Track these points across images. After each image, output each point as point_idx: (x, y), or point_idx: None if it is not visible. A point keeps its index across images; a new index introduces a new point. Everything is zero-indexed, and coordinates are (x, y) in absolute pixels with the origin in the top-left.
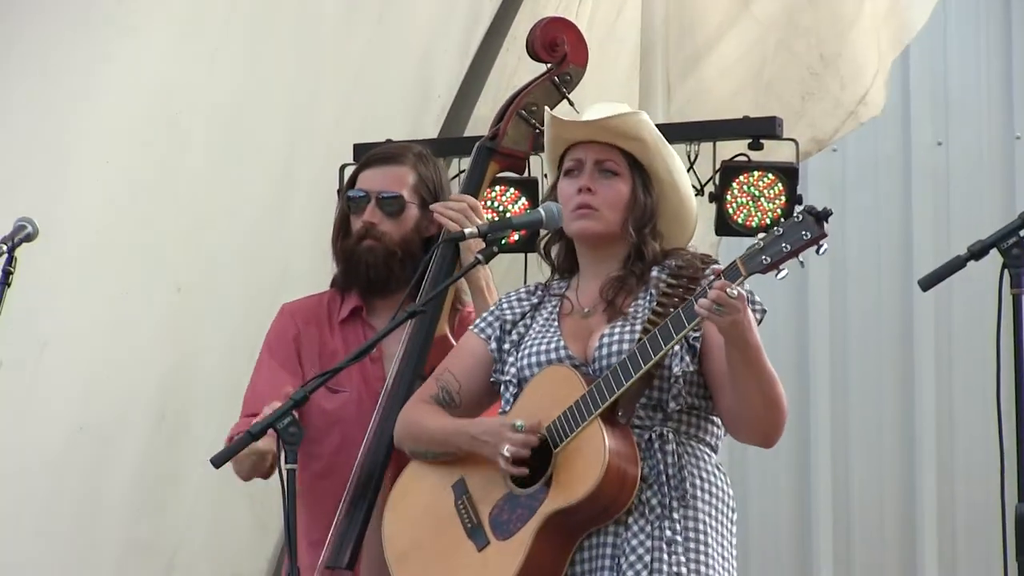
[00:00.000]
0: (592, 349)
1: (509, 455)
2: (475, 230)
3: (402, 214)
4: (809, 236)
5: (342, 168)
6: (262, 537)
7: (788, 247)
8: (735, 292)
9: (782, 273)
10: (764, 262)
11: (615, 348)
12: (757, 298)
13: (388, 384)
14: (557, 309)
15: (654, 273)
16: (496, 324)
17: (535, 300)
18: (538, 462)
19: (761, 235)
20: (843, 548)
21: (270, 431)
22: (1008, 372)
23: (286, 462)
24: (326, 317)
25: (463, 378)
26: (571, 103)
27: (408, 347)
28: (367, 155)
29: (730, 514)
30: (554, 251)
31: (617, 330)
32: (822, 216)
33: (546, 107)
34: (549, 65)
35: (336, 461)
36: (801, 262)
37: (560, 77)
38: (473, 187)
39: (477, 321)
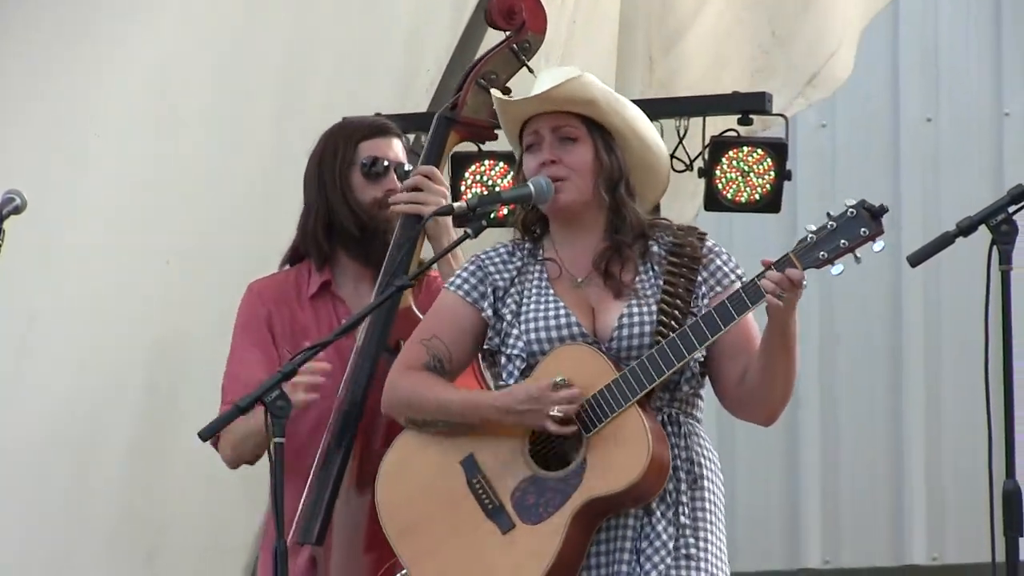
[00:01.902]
0: (610, 329)
1: (562, 414)
2: (464, 204)
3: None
4: (868, 232)
5: None
6: (251, 511)
7: (846, 243)
8: (798, 276)
9: (837, 268)
10: (822, 257)
11: (636, 330)
12: (740, 271)
13: (352, 360)
14: (545, 274)
15: (655, 248)
16: (486, 289)
17: (518, 262)
18: (555, 444)
19: (811, 227)
20: (832, 524)
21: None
22: (996, 348)
23: (274, 435)
24: (295, 293)
25: (453, 345)
26: (531, 70)
27: (372, 321)
28: (373, 125)
29: (722, 487)
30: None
31: (635, 309)
32: (879, 212)
33: (492, 91)
34: (507, 33)
35: (314, 437)
36: (858, 258)
37: (519, 45)
38: (434, 157)
39: (456, 281)
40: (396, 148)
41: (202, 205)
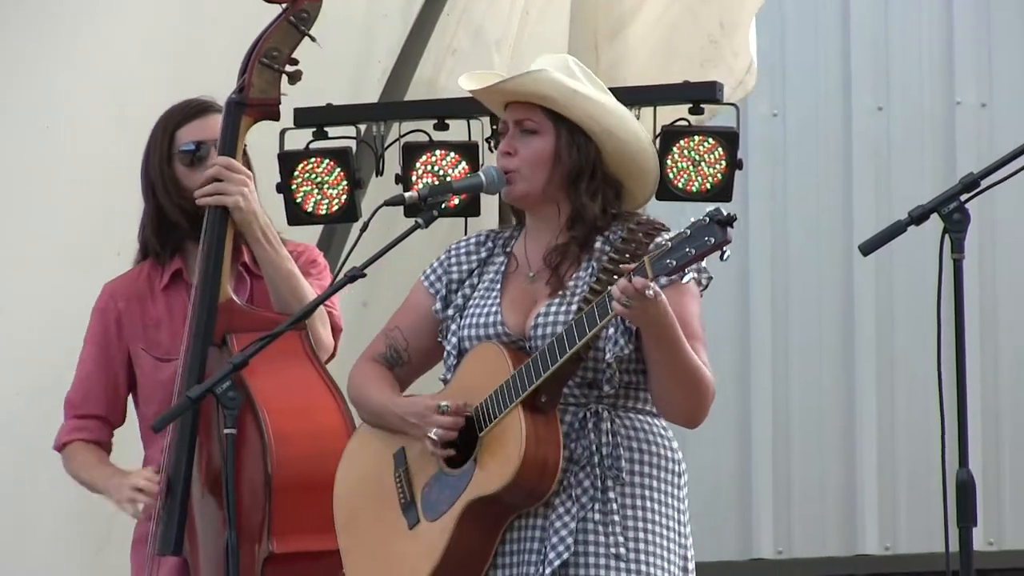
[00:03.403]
0: (528, 327)
1: (436, 438)
2: (415, 194)
3: None
4: (712, 242)
5: (282, 132)
6: None
7: (692, 251)
8: (641, 284)
9: (686, 277)
10: (670, 265)
11: (548, 330)
12: (704, 264)
13: (181, 358)
14: (503, 268)
15: (598, 244)
16: (444, 280)
17: (483, 254)
18: (470, 440)
19: (668, 235)
20: (783, 515)
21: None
22: (948, 337)
23: (225, 427)
24: (147, 288)
25: (411, 335)
26: (312, 39)
27: (195, 318)
28: (185, 109)
29: (675, 480)
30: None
31: (553, 308)
32: (726, 222)
33: (461, 78)
34: (284, 6)
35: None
36: (702, 267)
37: (296, 16)
38: (229, 146)
39: (427, 270)
40: (213, 125)
41: None
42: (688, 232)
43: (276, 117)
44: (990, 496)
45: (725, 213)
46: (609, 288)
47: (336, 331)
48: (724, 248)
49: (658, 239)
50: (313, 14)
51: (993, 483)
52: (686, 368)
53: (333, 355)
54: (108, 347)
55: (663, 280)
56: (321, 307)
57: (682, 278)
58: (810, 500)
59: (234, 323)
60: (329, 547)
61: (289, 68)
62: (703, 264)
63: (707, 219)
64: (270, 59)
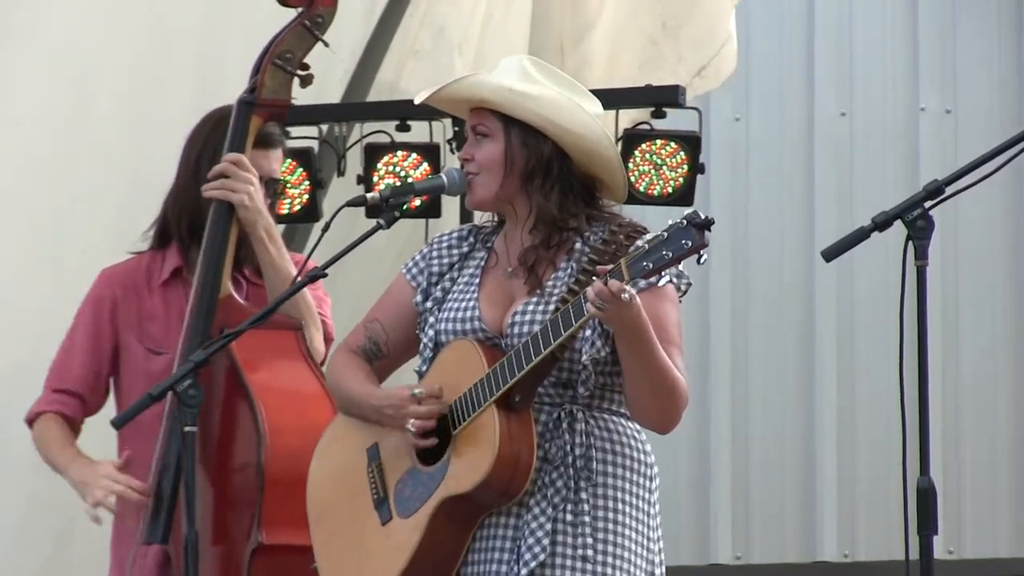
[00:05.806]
0: (506, 325)
1: (415, 430)
2: (377, 195)
3: None
4: (689, 245)
5: None
6: None
7: (669, 254)
8: (616, 287)
9: (663, 280)
10: (646, 267)
11: (525, 328)
12: (683, 269)
13: (178, 351)
14: (483, 263)
15: (578, 245)
16: (425, 272)
17: (465, 248)
18: (443, 437)
19: (648, 237)
20: (742, 521)
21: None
22: (911, 344)
23: (186, 424)
24: (145, 280)
25: (391, 328)
26: (326, 44)
27: (194, 312)
28: (257, 135)
29: (646, 483)
30: None
31: (531, 307)
32: (703, 225)
33: (419, 94)
34: (299, 10)
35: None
36: (679, 271)
37: (311, 20)
38: (238, 144)
39: (408, 263)
40: (273, 160)
41: (118, 194)
42: (665, 235)
43: (285, 119)
44: (950, 505)
45: (703, 217)
46: (584, 290)
47: (328, 340)
48: (701, 252)
49: (638, 242)
50: (328, 19)
51: (954, 492)
52: (659, 373)
53: (323, 362)
54: (98, 331)
55: (641, 283)
56: (316, 313)
57: (659, 281)
58: (769, 506)
59: (232, 319)
60: None
61: (301, 72)
62: (682, 269)
63: (684, 222)
64: (283, 61)
